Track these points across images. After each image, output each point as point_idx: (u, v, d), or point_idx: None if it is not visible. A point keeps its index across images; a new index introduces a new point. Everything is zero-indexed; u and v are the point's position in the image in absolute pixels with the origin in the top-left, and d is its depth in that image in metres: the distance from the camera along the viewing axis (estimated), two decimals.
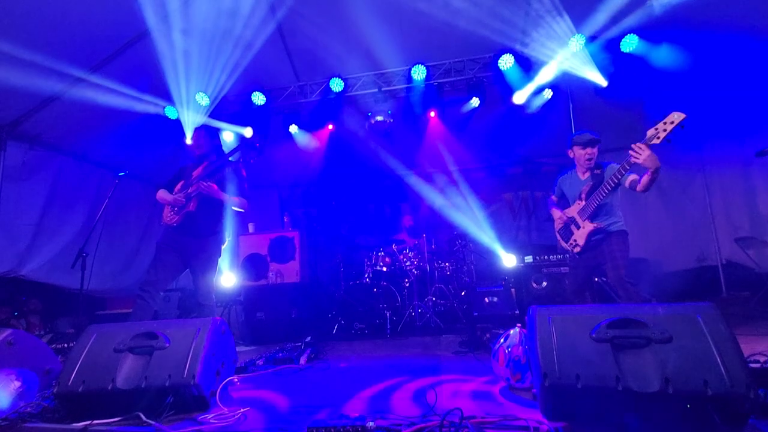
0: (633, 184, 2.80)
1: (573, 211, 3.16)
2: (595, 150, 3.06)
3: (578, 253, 3.14)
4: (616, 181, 2.81)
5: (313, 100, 5.21)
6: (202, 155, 3.36)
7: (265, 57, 4.69)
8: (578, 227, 3.10)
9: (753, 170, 5.59)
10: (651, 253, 6.06)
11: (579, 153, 3.08)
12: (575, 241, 3.13)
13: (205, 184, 3.10)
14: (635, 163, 2.59)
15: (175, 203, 3.15)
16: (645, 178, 2.69)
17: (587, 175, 3.11)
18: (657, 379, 1.53)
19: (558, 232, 3.33)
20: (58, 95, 4.33)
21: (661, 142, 2.48)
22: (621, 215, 3.04)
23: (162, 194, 3.22)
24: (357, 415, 1.86)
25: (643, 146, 2.51)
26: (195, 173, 3.24)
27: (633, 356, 1.63)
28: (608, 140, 2.99)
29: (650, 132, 2.53)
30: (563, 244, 3.28)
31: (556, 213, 3.31)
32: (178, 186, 3.24)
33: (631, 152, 2.56)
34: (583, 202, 3.06)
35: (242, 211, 3.37)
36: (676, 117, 2.44)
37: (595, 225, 2.99)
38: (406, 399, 2.14)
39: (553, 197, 3.43)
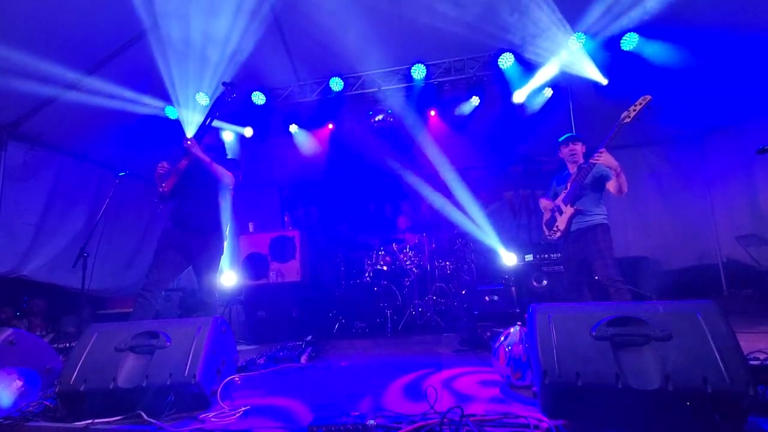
0: (611, 189, 3.08)
1: (559, 199, 3.34)
2: (577, 146, 3.31)
3: (561, 240, 3.30)
4: (590, 168, 3.10)
5: (313, 99, 5.21)
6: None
7: (265, 56, 4.69)
8: (561, 213, 3.28)
9: (754, 167, 5.57)
10: (651, 251, 6.06)
11: (564, 151, 3.38)
12: (557, 227, 3.28)
13: (189, 140, 3.09)
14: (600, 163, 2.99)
15: (159, 168, 3.11)
16: (611, 181, 3.02)
17: (574, 168, 3.33)
18: (657, 376, 1.53)
19: (545, 224, 3.48)
20: (58, 96, 4.33)
21: (631, 120, 2.93)
22: (605, 210, 3.20)
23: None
24: (358, 413, 1.87)
25: (601, 151, 2.94)
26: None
27: (633, 354, 1.63)
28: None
29: (624, 114, 2.96)
30: (546, 232, 3.44)
31: (544, 203, 3.47)
32: None
33: (591, 160, 3.01)
34: (568, 189, 3.26)
35: (229, 186, 3.30)
36: (643, 99, 2.92)
37: (576, 208, 3.17)
38: (406, 397, 2.15)
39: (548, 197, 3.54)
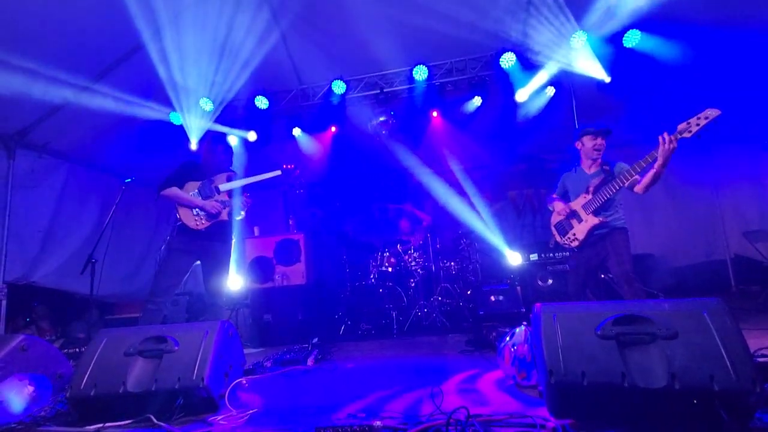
0: (633, 183, 2.84)
1: (577, 204, 3.11)
2: (605, 142, 3.04)
3: (576, 248, 3.12)
4: (628, 178, 2.82)
5: (316, 102, 5.24)
6: (220, 163, 3.41)
7: (268, 60, 4.72)
8: (580, 221, 3.07)
9: (762, 162, 5.53)
10: (658, 248, 6.02)
11: (588, 143, 3.06)
12: (574, 235, 3.10)
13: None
14: (654, 155, 2.63)
15: (212, 210, 3.17)
16: (647, 176, 2.71)
17: (594, 169, 3.09)
18: (663, 375, 1.53)
19: (554, 225, 3.29)
20: (65, 104, 4.38)
21: (692, 136, 2.50)
22: (623, 213, 3.03)
23: (179, 194, 3.14)
24: (364, 414, 1.88)
25: (673, 138, 2.52)
26: (219, 182, 3.30)
27: (639, 353, 1.62)
28: (612, 137, 3.02)
29: (682, 126, 2.53)
30: (558, 238, 3.24)
31: (558, 205, 3.23)
32: (195, 186, 3.22)
33: (660, 138, 2.57)
34: (590, 196, 3.03)
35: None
36: (711, 113, 2.44)
37: (600, 219, 2.96)
38: (412, 398, 2.15)
39: (555, 195, 3.36)
